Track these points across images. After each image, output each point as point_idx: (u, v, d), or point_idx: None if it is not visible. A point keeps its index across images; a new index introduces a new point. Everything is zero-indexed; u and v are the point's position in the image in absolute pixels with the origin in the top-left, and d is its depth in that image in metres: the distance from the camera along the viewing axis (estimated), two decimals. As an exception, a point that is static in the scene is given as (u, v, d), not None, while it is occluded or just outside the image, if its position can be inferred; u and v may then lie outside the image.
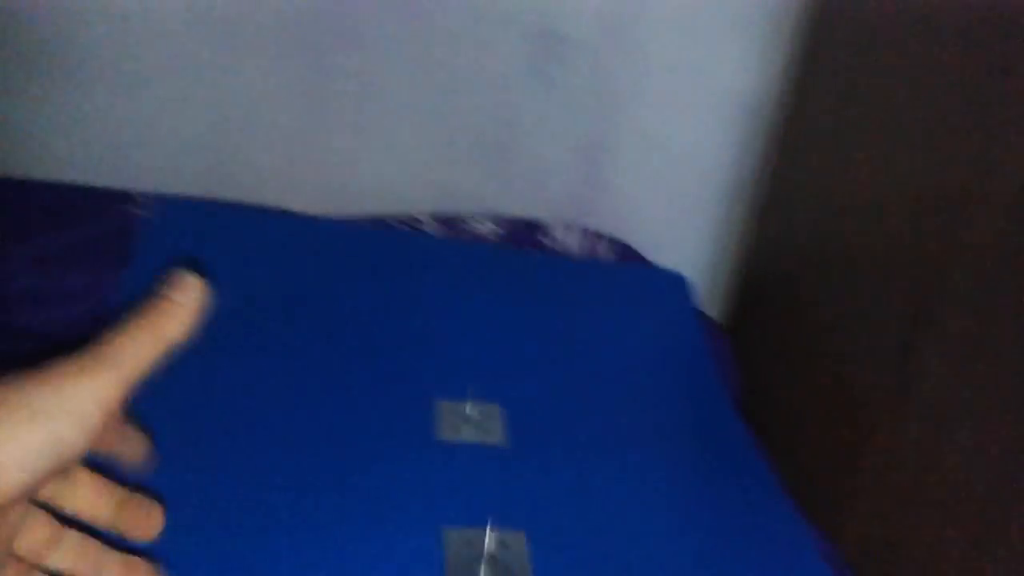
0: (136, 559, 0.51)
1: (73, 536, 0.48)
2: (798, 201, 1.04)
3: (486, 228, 1.09)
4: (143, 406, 0.79)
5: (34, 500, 0.46)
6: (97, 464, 0.49)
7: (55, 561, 0.48)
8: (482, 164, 1.15)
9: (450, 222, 1.09)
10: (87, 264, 0.93)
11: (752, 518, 0.77)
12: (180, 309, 0.45)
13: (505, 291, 1.00)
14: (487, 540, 0.66)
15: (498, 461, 0.78)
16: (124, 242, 0.94)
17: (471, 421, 0.81)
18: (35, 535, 0.47)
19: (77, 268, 0.92)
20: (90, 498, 0.48)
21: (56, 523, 0.48)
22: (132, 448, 0.51)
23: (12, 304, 0.90)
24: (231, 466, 0.72)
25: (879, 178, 0.86)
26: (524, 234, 1.10)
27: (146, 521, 0.50)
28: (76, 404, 0.40)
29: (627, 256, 1.11)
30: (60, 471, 0.40)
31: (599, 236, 1.12)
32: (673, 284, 1.07)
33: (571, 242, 1.11)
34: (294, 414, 0.78)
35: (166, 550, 0.56)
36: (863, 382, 0.84)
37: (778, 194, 1.08)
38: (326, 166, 1.15)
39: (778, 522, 0.77)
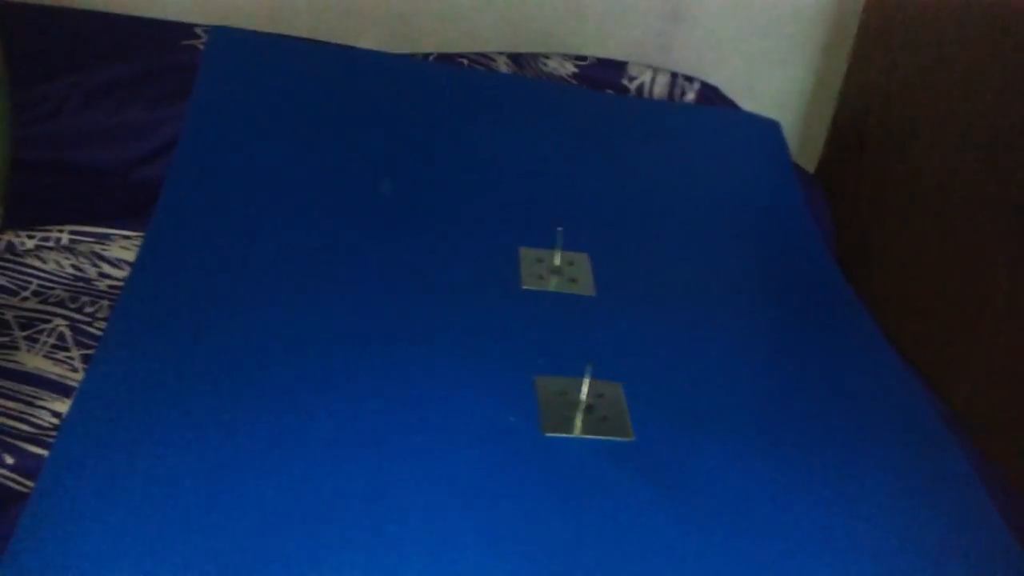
0: None
1: None
2: (902, 39, 0.94)
3: (563, 68, 1.01)
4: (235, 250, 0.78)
5: None
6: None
7: None
8: (557, -1, 1.06)
9: (524, 61, 1.01)
10: (144, 99, 0.87)
11: (857, 371, 0.72)
12: None
13: (588, 135, 0.93)
14: (584, 389, 0.63)
15: (588, 311, 0.73)
16: (184, 76, 0.88)
17: (559, 271, 0.77)
18: None
19: (133, 103, 0.87)
20: None
21: None
22: None
23: (65, 140, 0.85)
24: (319, 307, 0.69)
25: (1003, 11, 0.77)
26: (604, 75, 1.02)
27: None
28: None
29: (714, 100, 1.03)
30: None
31: (684, 78, 1.03)
32: (766, 131, 0.99)
33: (654, 84, 1.02)
34: (370, 256, 0.74)
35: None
36: (979, 244, 0.77)
37: (880, 30, 0.98)
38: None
39: (885, 375, 0.72)
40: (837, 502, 0.59)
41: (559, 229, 0.75)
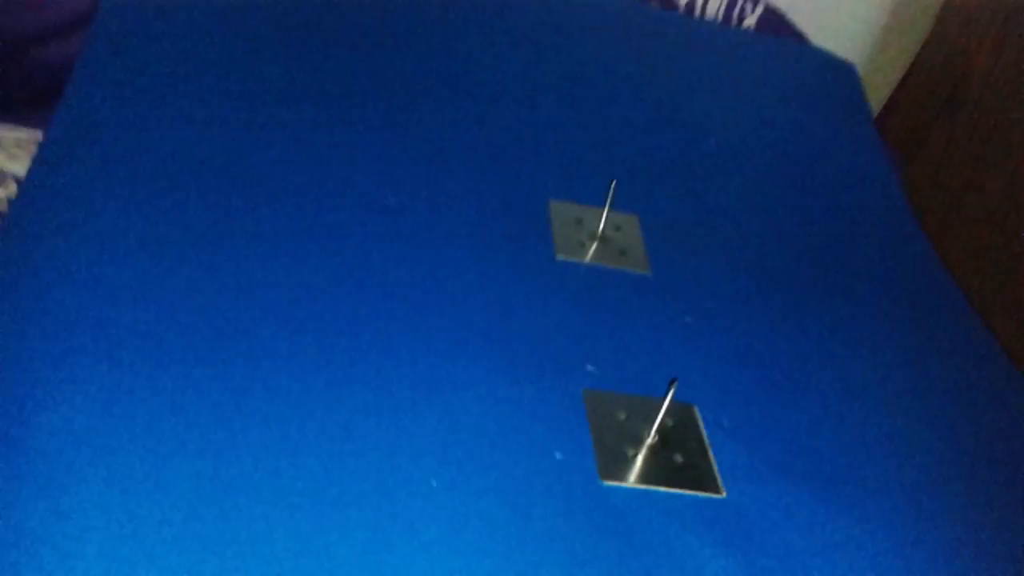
0: None
1: None
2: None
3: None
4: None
5: None
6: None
7: None
8: None
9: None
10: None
11: (974, 385, 0.56)
12: None
13: (621, 60, 0.73)
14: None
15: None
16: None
17: (604, 237, 0.58)
18: None
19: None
20: None
21: None
22: None
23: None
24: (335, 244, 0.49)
25: None
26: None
27: None
28: None
29: (778, 27, 0.84)
30: None
31: (745, -2, 0.84)
32: (842, 75, 0.80)
33: (709, 1, 0.83)
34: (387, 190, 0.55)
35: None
36: None
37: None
38: None
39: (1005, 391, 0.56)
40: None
41: (612, 183, 0.56)
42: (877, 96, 0.94)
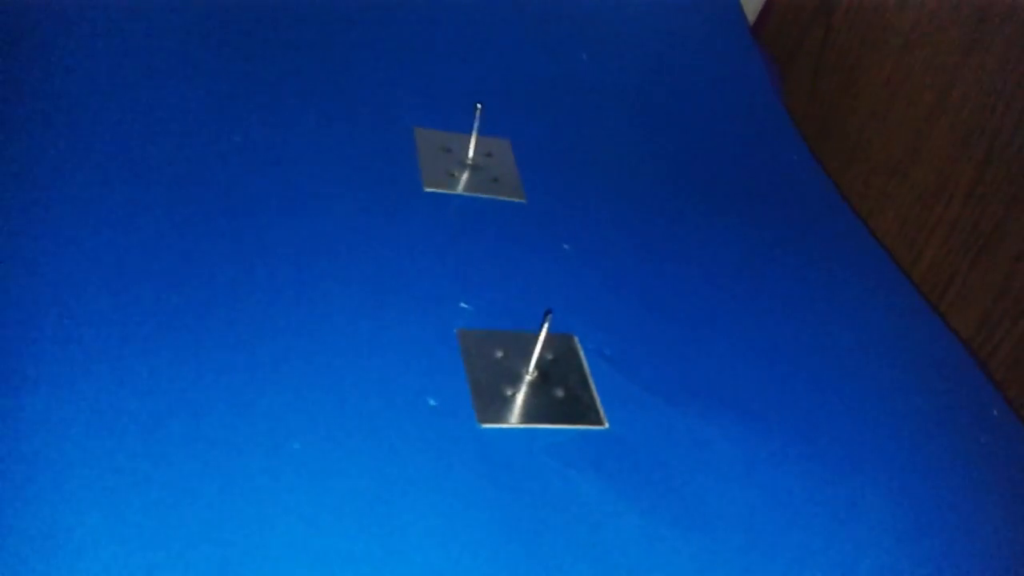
0: None
1: None
2: None
3: None
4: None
5: None
6: None
7: None
8: None
9: None
10: None
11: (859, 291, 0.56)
12: None
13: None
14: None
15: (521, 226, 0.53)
16: None
17: (474, 165, 0.55)
18: None
19: None
20: None
21: None
22: None
23: None
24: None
25: None
26: None
27: None
28: None
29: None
30: None
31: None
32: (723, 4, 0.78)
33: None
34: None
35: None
36: (952, 142, 0.61)
37: None
38: None
39: (890, 297, 0.57)
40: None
41: (477, 105, 0.53)
42: (754, 3, 0.93)
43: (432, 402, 0.41)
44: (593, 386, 0.44)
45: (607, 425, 0.42)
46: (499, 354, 0.44)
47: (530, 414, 0.42)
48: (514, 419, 0.41)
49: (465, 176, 0.54)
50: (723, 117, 0.66)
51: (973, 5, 0.64)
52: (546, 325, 0.41)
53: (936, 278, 0.67)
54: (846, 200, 0.62)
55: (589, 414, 0.42)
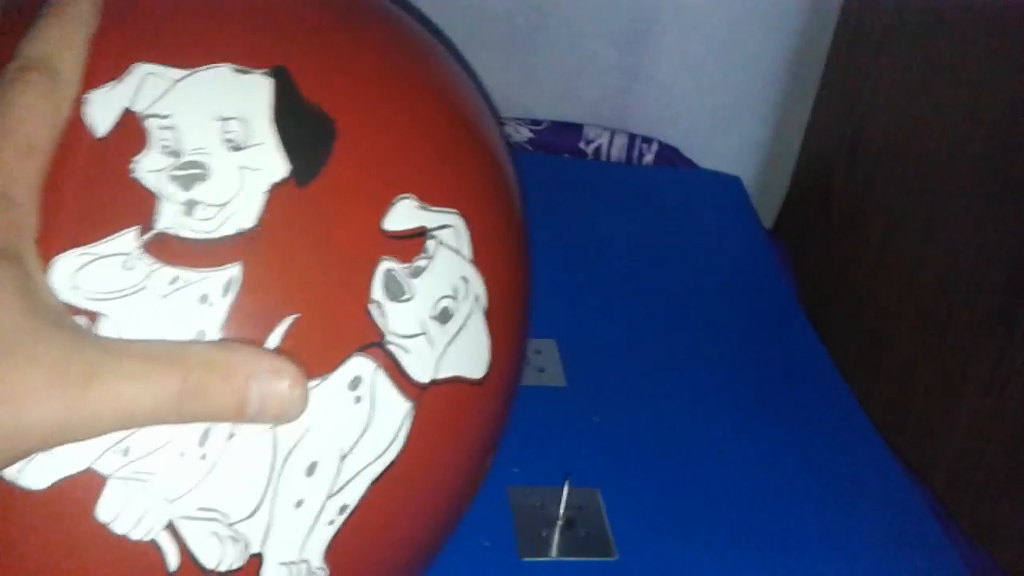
0: None
1: None
2: (867, 100, 0.93)
3: (518, 135, 0.98)
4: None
5: None
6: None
7: None
8: (509, 56, 1.02)
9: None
10: None
11: (837, 450, 0.69)
12: None
13: (544, 203, 0.89)
14: (562, 502, 0.59)
15: (560, 404, 0.69)
16: None
17: (527, 359, 0.72)
18: None
19: None
20: None
21: None
22: None
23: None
24: None
25: (969, 80, 0.75)
26: (560, 139, 0.99)
27: None
28: None
29: (673, 160, 1.00)
30: None
31: (642, 139, 1.00)
32: (728, 187, 0.97)
33: (611, 147, 1.00)
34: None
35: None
36: (955, 317, 0.75)
37: (843, 90, 0.97)
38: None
39: (867, 456, 0.70)
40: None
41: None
42: (774, 204, 1.10)
43: (486, 543, 0.56)
44: (609, 526, 0.59)
45: (616, 556, 0.57)
46: (537, 503, 0.60)
47: (557, 550, 0.57)
48: (546, 554, 0.57)
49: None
50: (736, 304, 0.82)
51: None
52: (567, 484, 0.57)
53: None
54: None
55: (603, 548, 0.57)
